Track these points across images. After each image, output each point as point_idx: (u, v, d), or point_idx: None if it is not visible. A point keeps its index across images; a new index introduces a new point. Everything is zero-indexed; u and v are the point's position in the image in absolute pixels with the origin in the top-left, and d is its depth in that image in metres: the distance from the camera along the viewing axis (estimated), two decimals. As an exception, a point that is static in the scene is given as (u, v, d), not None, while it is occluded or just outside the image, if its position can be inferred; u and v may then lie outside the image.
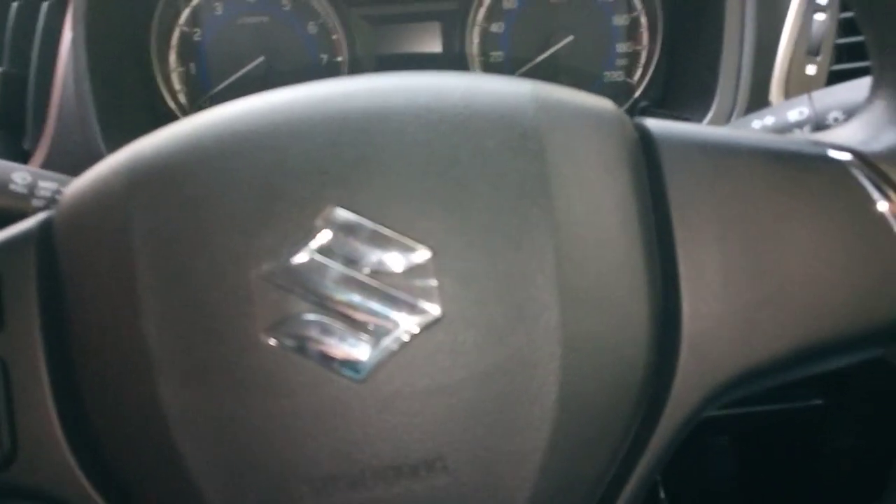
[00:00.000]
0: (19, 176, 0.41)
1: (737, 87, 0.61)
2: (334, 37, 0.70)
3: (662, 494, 0.77)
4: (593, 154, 0.32)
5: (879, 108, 0.33)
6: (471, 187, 0.30)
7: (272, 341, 0.29)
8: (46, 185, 0.42)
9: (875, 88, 0.34)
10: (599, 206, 0.31)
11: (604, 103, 0.33)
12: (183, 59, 0.70)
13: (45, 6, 0.62)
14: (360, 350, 0.29)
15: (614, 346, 0.31)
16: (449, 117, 0.31)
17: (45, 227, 0.32)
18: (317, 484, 0.29)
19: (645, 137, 0.33)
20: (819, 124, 0.43)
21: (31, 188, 0.42)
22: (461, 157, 0.30)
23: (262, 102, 0.32)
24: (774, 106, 0.45)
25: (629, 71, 0.72)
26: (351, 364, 0.29)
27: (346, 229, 0.29)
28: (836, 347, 0.33)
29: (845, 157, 0.33)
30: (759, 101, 0.61)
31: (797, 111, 0.43)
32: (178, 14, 0.69)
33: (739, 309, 0.32)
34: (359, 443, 0.29)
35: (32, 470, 0.31)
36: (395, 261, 0.29)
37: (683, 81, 0.69)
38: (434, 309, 0.29)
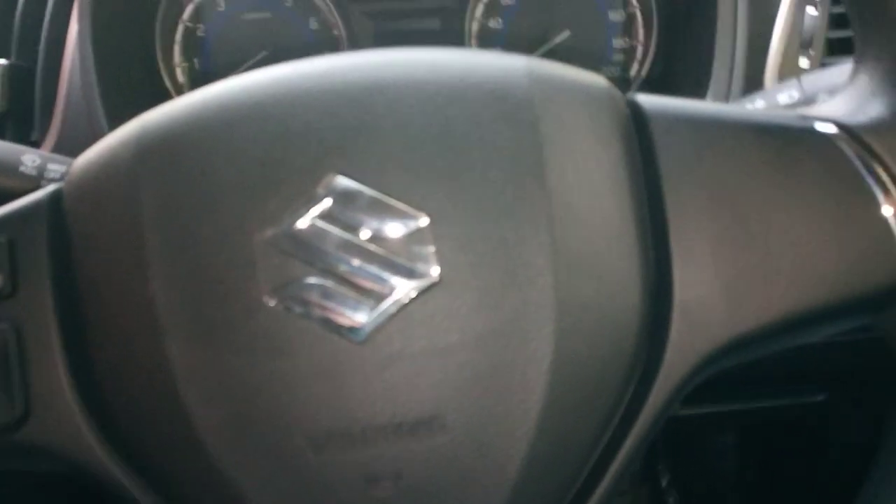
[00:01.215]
0: (29, 158, 0.43)
1: (730, 79, 0.62)
2: (335, 32, 0.71)
3: (664, 483, 0.77)
4: (585, 126, 0.33)
5: (863, 81, 0.34)
6: (466, 156, 0.31)
7: (275, 304, 0.30)
8: (55, 168, 0.43)
9: (858, 63, 0.35)
10: (592, 176, 0.32)
11: (595, 78, 0.34)
12: (187, 54, 0.71)
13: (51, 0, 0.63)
14: (359, 313, 0.30)
15: (607, 312, 0.32)
16: (445, 89, 0.32)
17: (55, 196, 0.33)
18: (318, 440, 0.30)
19: (636, 111, 0.34)
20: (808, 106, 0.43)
21: (41, 170, 0.43)
22: (457, 127, 0.31)
23: (264, 75, 0.33)
24: (765, 90, 0.47)
25: (626, 66, 0.73)
26: (351, 326, 0.30)
27: (346, 196, 0.30)
28: (823, 316, 0.33)
29: (831, 129, 0.34)
30: (752, 93, 0.62)
31: (787, 94, 0.44)
32: (181, 10, 0.70)
33: (729, 278, 0.32)
34: (359, 401, 0.30)
35: (45, 430, 0.32)
36: (393, 227, 0.30)
37: (678, 76, 0.70)
38: (432, 273, 0.30)
